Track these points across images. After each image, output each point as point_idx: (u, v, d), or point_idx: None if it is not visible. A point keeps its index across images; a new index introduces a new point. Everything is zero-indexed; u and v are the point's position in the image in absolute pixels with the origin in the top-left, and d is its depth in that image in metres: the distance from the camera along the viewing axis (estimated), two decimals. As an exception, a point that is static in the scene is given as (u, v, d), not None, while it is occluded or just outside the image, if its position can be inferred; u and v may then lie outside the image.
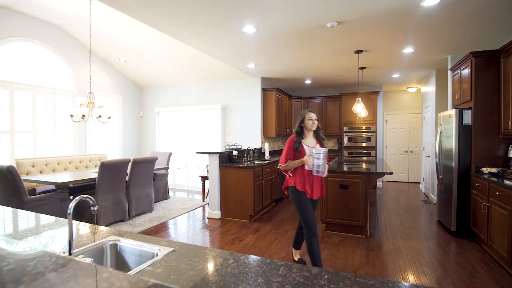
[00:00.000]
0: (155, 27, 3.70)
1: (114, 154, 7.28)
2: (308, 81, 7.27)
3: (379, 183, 7.95)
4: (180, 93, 7.74)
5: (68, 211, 1.02)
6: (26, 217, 1.66)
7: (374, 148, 7.29)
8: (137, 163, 4.85)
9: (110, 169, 4.33)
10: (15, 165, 4.62)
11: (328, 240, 3.88)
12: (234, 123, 7.08)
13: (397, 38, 4.02)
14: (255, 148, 6.26)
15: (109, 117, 5.07)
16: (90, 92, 4.77)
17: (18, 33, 5.06)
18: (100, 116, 4.71)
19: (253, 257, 1.13)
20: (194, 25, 3.57)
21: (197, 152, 5.16)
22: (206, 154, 5.24)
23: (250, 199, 4.73)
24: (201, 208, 5.63)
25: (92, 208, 1.12)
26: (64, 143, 6.01)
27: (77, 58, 6.13)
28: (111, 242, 1.32)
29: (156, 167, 5.80)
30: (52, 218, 1.64)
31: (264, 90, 6.85)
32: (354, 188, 4.01)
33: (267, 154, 6.41)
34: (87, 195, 1.08)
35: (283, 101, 7.35)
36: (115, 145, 7.37)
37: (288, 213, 5.31)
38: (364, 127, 7.33)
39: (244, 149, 5.72)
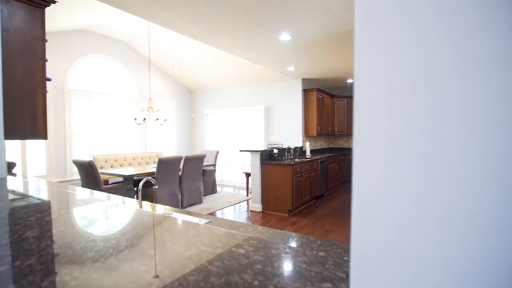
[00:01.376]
0: (201, 41, 4.23)
1: (169, 151, 8.15)
2: (350, 80, 7.31)
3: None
4: (226, 96, 8.33)
5: (139, 187, 1.49)
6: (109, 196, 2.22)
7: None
8: (188, 159, 5.48)
9: (166, 165, 5.01)
10: (93, 160, 5.58)
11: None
12: (277, 123, 7.44)
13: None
14: (296, 147, 6.54)
15: (165, 119, 5.80)
16: (150, 98, 5.53)
17: (94, 50, 6.06)
18: (157, 119, 5.44)
19: (268, 228, 1.48)
20: (235, 37, 4.01)
21: (240, 150, 5.63)
22: (249, 152, 5.68)
23: (288, 194, 5.05)
24: (245, 202, 6.10)
25: (153, 187, 1.58)
26: (129, 142, 6.97)
27: (139, 69, 7.05)
28: (166, 214, 1.78)
29: (204, 163, 6.42)
30: (128, 198, 2.18)
31: (305, 91, 7.08)
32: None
33: (308, 152, 6.64)
34: (150, 178, 1.54)
35: (325, 100, 7.49)
36: (171, 144, 8.25)
37: (327, 209, 5.50)
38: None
39: (285, 148, 6.05)
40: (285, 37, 3.98)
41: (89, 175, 4.55)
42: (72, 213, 1.05)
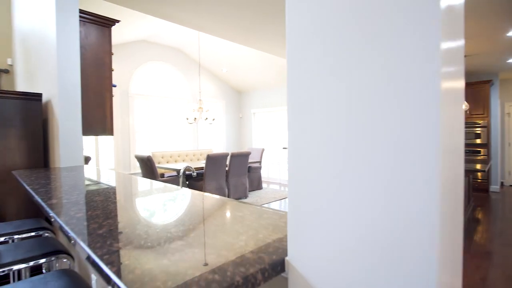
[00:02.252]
0: (248, 46, 4.50)
1: (218, 149, 8.65)
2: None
3: (495, 187, 6.91)
4: (272, 96, 8.55)
5: (180, 174, 1.77)
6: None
7: (486, 145, 6.42)
8: (234, 156, 5.82)
9: (213, 161, 5.40)
10: (152, 156, 6.25)
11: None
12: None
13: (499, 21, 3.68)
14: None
15: (214, 119, 6.23)
16: (200, 100, 6.00)
17: (152, 58, 6.77)
18: (206, 118, 5.88)
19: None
20: (279, 39, 4.20)
21: (283, 148, 5.79)
22: (291, 150, 5.81)
23: (330, 191, 5.07)
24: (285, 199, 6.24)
25: (192, 173, 1.85)
26: (183, 140, 7.61)
27: (191, 72, 7.64)
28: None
29: (250, 160, 6.73)
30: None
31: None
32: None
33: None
34: (189, 165, 1.81)
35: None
36: (220, 142, 8.75)
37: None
38: (472, 122, 6.54)
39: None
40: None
41: (148, 168, 5.15)
42: (129, 189, 1.35)
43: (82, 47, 2.49)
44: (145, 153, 6.60)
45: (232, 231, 0.71)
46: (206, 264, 0.53)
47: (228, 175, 5.85)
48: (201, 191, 5.64)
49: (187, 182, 5.62)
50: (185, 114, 7.16)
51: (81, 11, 2.46)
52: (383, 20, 0.43)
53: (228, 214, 0.94)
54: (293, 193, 0.56)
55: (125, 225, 0.77)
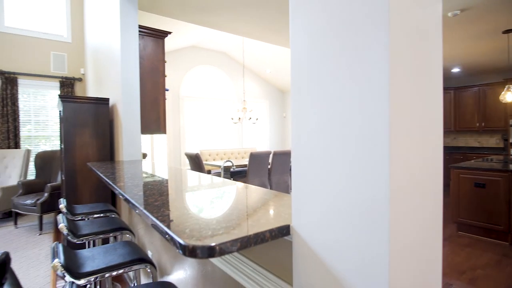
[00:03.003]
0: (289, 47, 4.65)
1: (262, 147, 8.90)
2: (456, 69, 6.49)
3: None
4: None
5: (222, 167, 1.99)
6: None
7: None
8: (276, 154, 5.99)
9: (256, 158, 5.63)
10: (200, 153, 6.71)
11: (456, 239, 3.71)
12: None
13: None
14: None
15: (257, 119, 6.47)
16: (244, 100, 6.28)
17: (201, 62, 7.24)
18: (250, 118, 6.14)
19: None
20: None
21: (325, 147, 5.81)
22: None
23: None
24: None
25: (232, 168, 2.06)
26: (228, 139, 8.00)
27: (236, 74, 7.99)
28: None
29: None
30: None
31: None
32: (493, 187, 3.62)
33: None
34: (229, 160, 2.03)
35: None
36: (264, 140, 8.99)
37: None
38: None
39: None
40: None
41: (196, 165, 5.56)
42: (176, 177, 1.61)
43: (140, 57, 2.88)
44: (194, 151, 7.10)
45: (254, 205, 0.89)
46: (229, 224, 0.71)
47: (270, 172, 6.03)
48: (244, 187, 5.92)
49: (232, 179, 5.94)
50: (231, 114, 7.53)
51: (139, 27, 2.84)
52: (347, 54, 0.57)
53: (254, 194, 1.11)
54: (296, 179, 0.72)
55: (173, 199, 0.99)
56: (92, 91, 4.82)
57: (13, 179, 4.54)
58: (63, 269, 1.13)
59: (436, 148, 0.64)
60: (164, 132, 3.18)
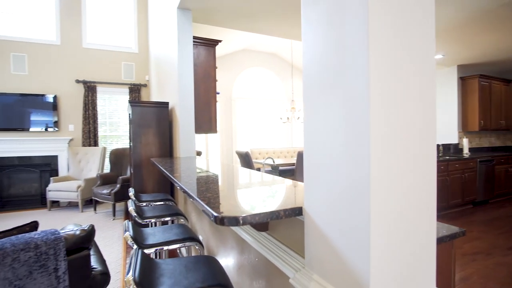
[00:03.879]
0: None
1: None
2: (533, 60, 5.73)
3: None
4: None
5: (263, 163, 2.17)
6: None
7: None
8: (324, 153, 6.00)
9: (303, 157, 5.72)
10: (249, 152, 7.02)
11: (523, 248, 3.36)
12: (424, 117, 6.76)
13: None
14: (448, 144, 5.83)
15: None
16: (292, 100, 6.40)
17: (251, 64, 7.55)
18: (299, 118, 6.23)
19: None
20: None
21: (375, 146, 5.63)
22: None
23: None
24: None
25: (273, 163, 2.23)
26: (277, 138, 8.18)
27: (285, 74, 8.13)
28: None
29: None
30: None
31: (462, 79, 6.12)
32: None
33: (466, 150, 5.76)
34: (270, 157, 2.20)
35: (494, 88, 6.19)
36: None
37: (485, 217, 4.70)
38: None
39: (438, 144, 5.53)
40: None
41: (246, 163, 5.86)
42: (223, 171, 1.84)
43: (194, 65, 3.22)
44: (244, 149, 7.44)
45: (278, 192, 1.05)
46: (253, 205, 0.89)
47: (318, 171, 6.06)
48: (292, 185, 6.05)
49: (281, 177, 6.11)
50: (280, 114, 7.70)
51: (194, 38, 3.18)
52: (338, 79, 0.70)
53: (280, 184, 1.27)
54: (306, 171, 0.86)
55: (215, 187, 1.21)
56: (155, 96, 5.42)
57: (92, 172, 5.34)
58: (132, 240, 1.43)
59: (422, 146, 0.73)
60: (215, 131, 3.49)
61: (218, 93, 3.68)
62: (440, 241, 1.15)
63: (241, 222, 0.78)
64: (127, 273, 1.00)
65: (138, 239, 1.50)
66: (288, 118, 6.21)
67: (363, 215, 0.65)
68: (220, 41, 3.34)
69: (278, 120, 7.99)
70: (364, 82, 0.65)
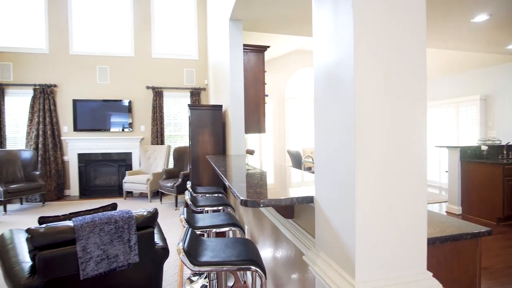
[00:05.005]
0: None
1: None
2: None
3: None
4: (429, 88, 7.64)
5: (303, 161, 2.33)
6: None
7: None
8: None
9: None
10: (301, 151, 7.13)
11: None
12: (499, 114, 6.06)
13: None
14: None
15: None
16: (344, 99, 6.32)
17: (303, 64, 7.63)
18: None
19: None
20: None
21: (436, 146, 5.26)
22: (446, 149, 5.18)
23: (498, 199, 4.25)
24: (443, 203, 5.59)
25: (312, 162, 2.37)
26: (330, 138, 8.12)
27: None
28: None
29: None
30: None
31: (547, 70, 5.34)
32: None
33: (550, 152, 5.03)
34: (309, 156, 2.34)
35: None
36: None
37: None
38: None
39: (503, 145, 4.98)
40: (481, 17, 3.53)
41: (296, 161, 6.00)
42: (267, 170, 2.06)
43: (244, 70, 3.50)
44: (296, 148, 7.57)
45: (299, 184, 1.22)
46: (274, 192, 1.08)
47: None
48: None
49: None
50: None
51: (244, 45, 3.46)
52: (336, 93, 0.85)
53: (306, 179, 1.43)
54: (317, 166, 1.02)
55: (250, 178, 1.43)
56: (213, 98, 5.90)
57: (159, 167, 6.05)
58: (185, 221, 1.74)
59: (407, 145, 0.84)
60: (264, 131, 3.73)
61: (267, 95, 3.91)
62: (459, 238, 1.21)
63: (261, 205, 0.98)
64: (178, 244, 1.28)
65: (190, 221, 1.80)
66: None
67: (351, 198, 0.80)
68: (268, 47, 3.56)
69: (331, 119, 7.93)
70: (351, 100, 0.80)
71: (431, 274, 0.87)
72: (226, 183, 1.31)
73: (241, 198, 1.02)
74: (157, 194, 6.02)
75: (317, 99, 1.01)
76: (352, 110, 0.79)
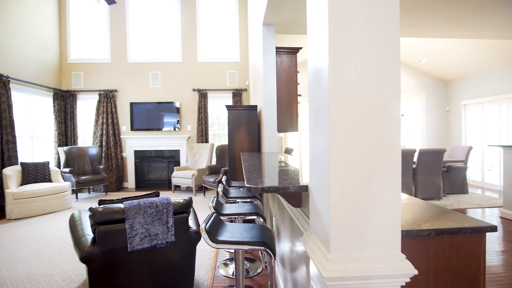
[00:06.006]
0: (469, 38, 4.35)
1: (414, 145, 8.13)
2: None
3: None
4: (484, 84, 6.97)
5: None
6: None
7: None
8: (423, 153, 5.53)
9: (397, 156, 5.44)
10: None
11: None
12: None
13: None
14: None
15: (402, 115, 6.13)
16: (387, 96, 6.11)
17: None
18: (403, 115, 5.92)
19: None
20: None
21: (488, 145, 4.86)
22: (501, 148, 4.75)
23: (562, 204, 3.81)
24: (495, 208, 5.13)
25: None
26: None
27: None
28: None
29: (451, 159, 6.01)
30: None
31: None
32: None
33: None
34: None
35: None
36: (417, 137, 8.18)
37: None
38: None
39: None
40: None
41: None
42: (284, 164, 2.23)
43: (277, 71, 3.67)
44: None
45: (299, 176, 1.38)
46: (276, 181, 1.26)
47: (416, 172, 5.63)
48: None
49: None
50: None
51: (277, 48, 3.63)
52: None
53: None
54: (311, 161, 1.16)
55: (264, 172, 1.62)
56: (252, 99, 6.17)
57: (203, 164, 6.51)
58: (212, 208, 1.99)
59: (379, 139, 0.95)
60: (297, 130, 3.87)
61: (300, 95, 4.03)
62: (457, 231, 1.27)
63: (260, 190, 1.17)
64: (201, 225, 1.53)
65: (217, 209, 2.05)
66: (382, 115, 5.97)
67: (327, 187, 0.95)
68: (300, 48, 3.68)
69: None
70: (325, 97, 0.94)
71: (404, 256, 0.98)
72: (244, 174, 1.52)
73: (246, 185, 1.22)
74: (201, 189, 6.48)
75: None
76: (326, 106, 0.94)
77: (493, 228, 1.32)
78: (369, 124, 0.95)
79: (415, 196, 5.64)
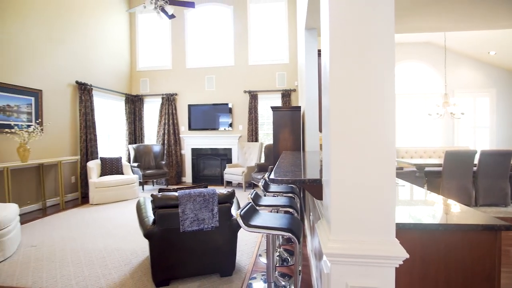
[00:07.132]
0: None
1: (482, 145, 7.39)
2: None
3: None
4: None
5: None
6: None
7: None
8: (485, 154, 5.07)
9: (453, 157, 5.09)
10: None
11: None
12: None
13: None
14: None
15: (463, 113, 5.69)
16: (445, 94, 5.73)
17: (397, 58, 7.18)
18: (452, 113, 5.54)
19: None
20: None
21: None
22: None
23: None
24: None
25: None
26: (432, 136, 7.36)
27: (441, 63, 7.18)
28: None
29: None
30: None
31: None
32: None
33: None
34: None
35: None
36: (485, 137, 7.43)
37: None
38: None
39: None
40: None
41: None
42: (316, 163, 2.41)
43: (319, 73, 3.80)
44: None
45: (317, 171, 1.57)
46: (298, 174, 1.47)
47: (477, 175, 5.20)
48: (438, 188, 5.43)
49: (426, 179, 5.66)
50: (437, 110, 6.94)
51: (319, 50, 3.76)
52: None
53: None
54: (324, 159, 1.36)
55: (291, 168, 1.83)
56: (300, 99, 6.32)
57: (253, 162, 6.87)
58: (250, 199, 2.27)
59: (375, 135, 1.10)
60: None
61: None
62: (466, 228, 1.35)
63: (279, 182, 1.40)
64: (237, 211, 1.81)
65: (255, 200, 2.32)
66: (438, 113, 5.61)
67: (329, 178, 1.14)
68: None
69: (434, 116, 7.20)
70: (327, 97, 1.14)
71: (397, 241, 1.12)
72: (274, 169, 1.77)
73: (269, 178, 1.46)
74: (250, 185, 6.85)
75: (322, 100, 1.35)
76: (327, 103, 1.14)
77: (507, 227, 1.35)
78: (364, 124, 1.12)
79: (475, 202, 5.21)
